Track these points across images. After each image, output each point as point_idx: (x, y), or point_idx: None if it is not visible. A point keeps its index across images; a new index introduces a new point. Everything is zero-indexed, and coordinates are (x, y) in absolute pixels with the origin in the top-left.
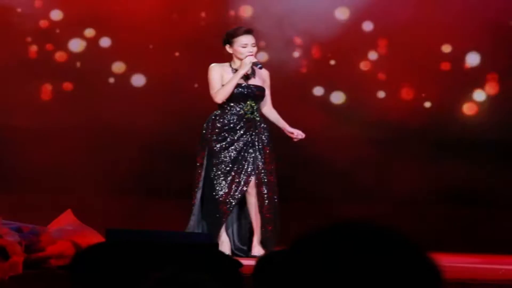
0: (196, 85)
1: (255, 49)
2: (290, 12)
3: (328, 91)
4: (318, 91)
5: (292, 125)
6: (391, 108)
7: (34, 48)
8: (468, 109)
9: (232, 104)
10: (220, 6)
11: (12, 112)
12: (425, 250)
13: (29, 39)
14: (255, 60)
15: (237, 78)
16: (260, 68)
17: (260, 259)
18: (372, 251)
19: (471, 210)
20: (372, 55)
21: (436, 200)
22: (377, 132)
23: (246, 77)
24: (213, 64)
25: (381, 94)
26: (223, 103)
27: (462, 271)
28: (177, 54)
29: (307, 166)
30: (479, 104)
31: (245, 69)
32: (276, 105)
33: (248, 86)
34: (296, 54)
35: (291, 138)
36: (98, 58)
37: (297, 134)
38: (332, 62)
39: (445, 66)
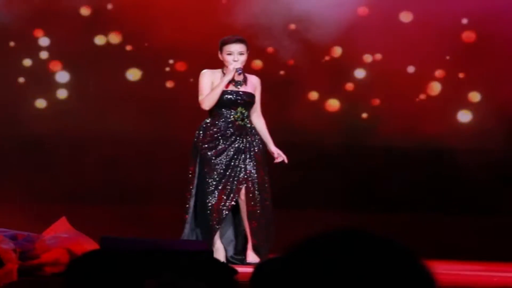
0: None
1: (241, 57)
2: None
3: (323, 97)
4: (313, 96)
5: (289, 128)
6: (389, 115)
7: None
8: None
9: (222, 111)
10: None
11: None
12: (420, 257)
13: None
14: (238, 66)
15: (222, 85)
16: (240, 73)
17: (257, 266)
18: (368, 259)
19: (470, 217)
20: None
21: (432, 208)
22: (375, 138)
23: (237, 84)
24: (204, 70)
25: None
26: (214, 110)
27: (457, 278)
28: None
29: (301, 172)
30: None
31: (229, 76)
32: (276, 110)
33: (238, 93)
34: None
35: (283, 143)
36: None
37: (279, 156)
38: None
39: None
